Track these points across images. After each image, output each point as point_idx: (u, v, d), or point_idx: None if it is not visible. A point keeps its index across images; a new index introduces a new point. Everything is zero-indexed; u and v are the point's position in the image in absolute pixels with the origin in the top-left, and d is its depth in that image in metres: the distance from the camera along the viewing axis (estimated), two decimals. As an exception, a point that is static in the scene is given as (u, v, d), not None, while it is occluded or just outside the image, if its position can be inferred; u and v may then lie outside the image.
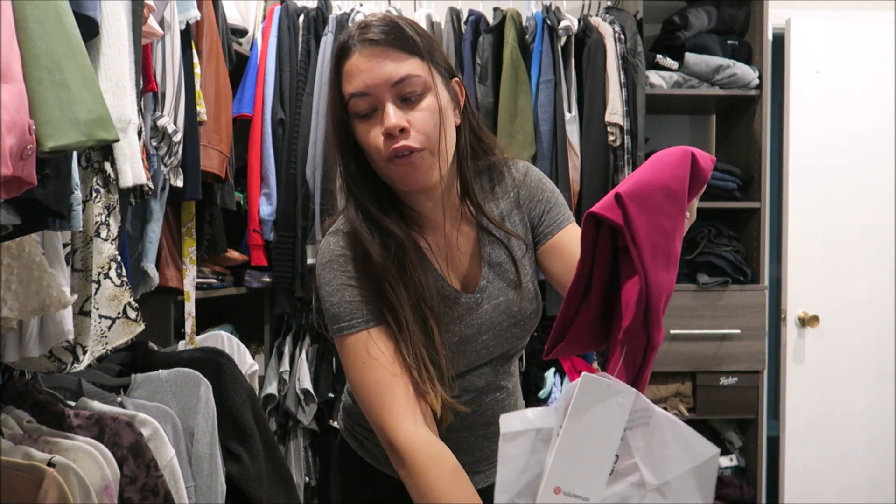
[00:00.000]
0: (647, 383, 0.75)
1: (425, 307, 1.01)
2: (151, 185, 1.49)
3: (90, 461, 1.16)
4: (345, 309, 1.00)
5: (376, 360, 0.97)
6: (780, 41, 2.80)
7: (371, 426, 1.00)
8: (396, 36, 0.96)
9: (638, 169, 0.75)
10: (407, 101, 0.95)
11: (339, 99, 0.97)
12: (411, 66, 0.95)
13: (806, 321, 2.75)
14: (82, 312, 1.25)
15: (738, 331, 2.63)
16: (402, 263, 1.01)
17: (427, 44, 0.98)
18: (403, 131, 0.94)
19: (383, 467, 1.16)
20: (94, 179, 1.25)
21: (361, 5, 2.55)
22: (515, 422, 0.73)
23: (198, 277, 2.11)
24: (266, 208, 2.39)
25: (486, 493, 1.17)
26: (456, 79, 1.04)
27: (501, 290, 1.10)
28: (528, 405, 2.63)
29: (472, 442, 1.15)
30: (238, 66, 2.38)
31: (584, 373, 0.72)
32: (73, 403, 1.34)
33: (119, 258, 1.29)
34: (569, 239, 1.12)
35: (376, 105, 0.95)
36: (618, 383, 0.71)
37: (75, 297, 1.18)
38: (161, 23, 1.57)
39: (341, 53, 0.97)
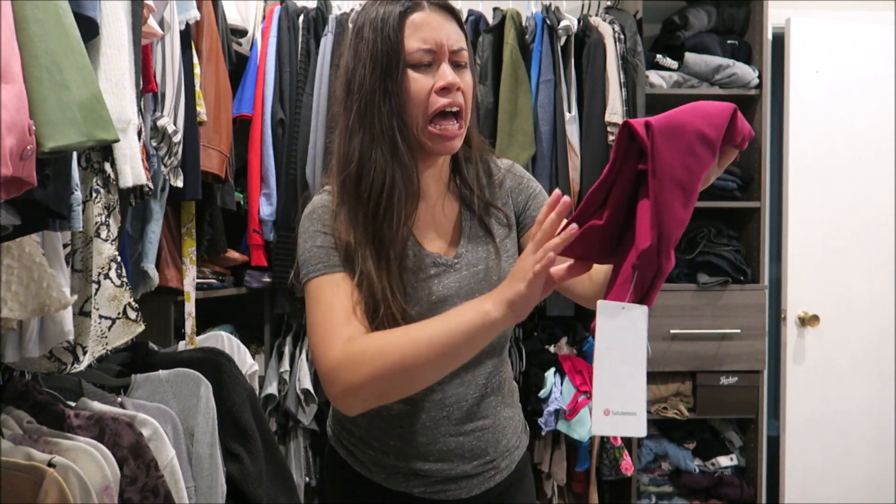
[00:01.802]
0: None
1: (393, 255, 1.04)
2: (151, 186, 1.49)
3: (90, 461, 1.16)
4: (314, 254, 1.05)
5: (332, 300, 1.01)
6: (779, 41, 2.81)
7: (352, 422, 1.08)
8: (456, 14, 1.07)
9: (677, 108, 0.79)
10: (457, 67, 1.04)
11: (396, 45, 1.02)
12: (464, 42, 1.06)
13: (806, 321, 2.75)
14: (82, 313, 1.25)
15: (738, 330, 2.63)
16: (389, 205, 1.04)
17: (464, 27, 1.09)
18: (458, 90, 1.03)
19: (372, 476, 1.15)
20: (94, 180, 1.25)
21: (360, 6, 2.55)
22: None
23: (198, 278, 2.11)
24: (266, 208, 2.39)
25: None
26: None
27: (480, 260, 1.13)
28: (527, 405, 2.62)
29: (447, 442, 1.12)
30: (238, 66, 2.38)
31: (599, 300, 0.79)
32: (73, 404, 1.34)
33: (119, 258, 1.29)
34: None
35: (433, 61, 1.03)
36: (631, 306, 0.79)
37: (75, 297, 1.18)
38: (161, 23, 1.57)
39: (409, 8, 1.03)
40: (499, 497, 1.18)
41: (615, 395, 0.77)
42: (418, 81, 1.02)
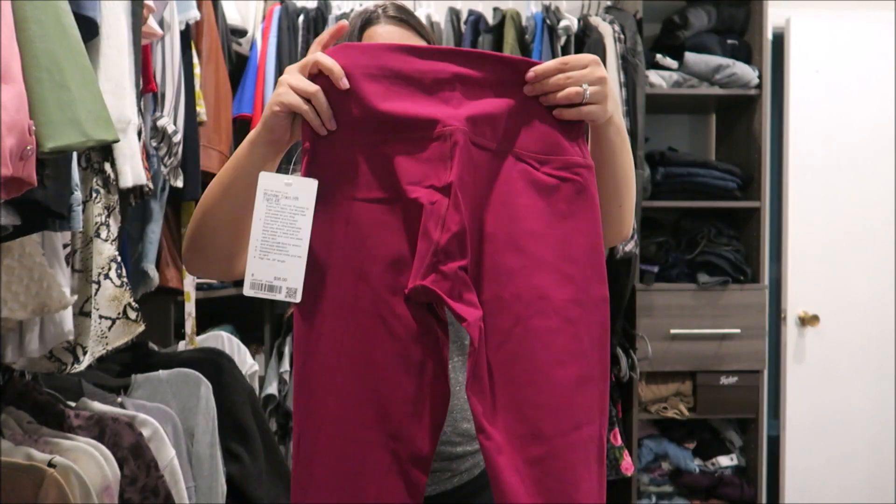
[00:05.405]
0: None
1: None
2: (151, 186, 1.48)
3: (90, 462, 1.16)
4: None
5: None
6: (779, 41, 2.81)
7: None
8: (414, 22, 1.16)
9: None
10: None
11: None
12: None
13: (806, 321, 2.75)
14: (82, 313, 1.25)
15: (738, 330, 2.63)
16: None
17: (431, 38, 1.19)
18: None
19: None
20: (94, 180, 1.25)
21: (361, 5, 2.55)
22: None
23: (198, 278, 2.11)
24: (266, 208, 2.39)
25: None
26: None
27: None
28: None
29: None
30: (238, 66, 2.38)
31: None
32: (73, 404, 1.34)
33: (119, 259, 1.29)
34: None
35: None
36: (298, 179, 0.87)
37: (75, 297, 1.18)
38: (161, 23, 1.57)
39: (367, 22, 1.15)
40: (458, 502, 1.16)
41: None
42: None
